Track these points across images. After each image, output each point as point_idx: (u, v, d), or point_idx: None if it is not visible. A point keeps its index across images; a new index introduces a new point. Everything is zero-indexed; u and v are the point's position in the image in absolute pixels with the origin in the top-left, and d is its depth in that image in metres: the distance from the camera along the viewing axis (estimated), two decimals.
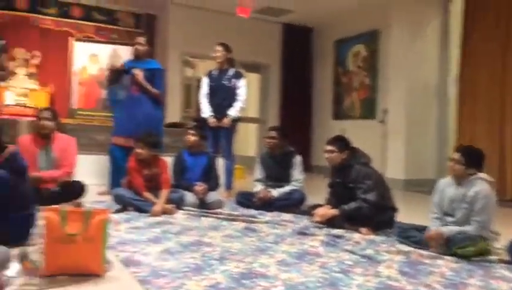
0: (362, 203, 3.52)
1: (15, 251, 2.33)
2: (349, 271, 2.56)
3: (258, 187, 4.56)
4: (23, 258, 2.29)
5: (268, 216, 4.12)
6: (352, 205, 3.54)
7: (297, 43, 9.17)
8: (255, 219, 3.92)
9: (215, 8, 7.92)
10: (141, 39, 4.92)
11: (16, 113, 6.00)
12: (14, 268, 2.24)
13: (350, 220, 3.58)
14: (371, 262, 2.77)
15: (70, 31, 7.47)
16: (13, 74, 6.79)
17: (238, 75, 5.28)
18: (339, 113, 8.76)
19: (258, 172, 4.66)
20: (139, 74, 4.74)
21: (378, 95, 7.89)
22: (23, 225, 2.77)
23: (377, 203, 3.53)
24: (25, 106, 6.40)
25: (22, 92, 6.74)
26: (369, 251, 3.02)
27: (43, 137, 4.00)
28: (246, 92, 5.31)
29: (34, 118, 4.46)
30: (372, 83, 8.04)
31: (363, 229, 3.51)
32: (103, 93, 7.25)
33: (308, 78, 9.38)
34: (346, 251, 3.00)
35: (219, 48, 5.25)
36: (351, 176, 3.62)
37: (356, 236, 3.43)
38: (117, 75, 4.82)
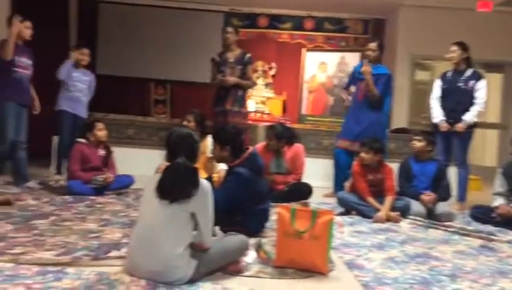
0: None
1: (252, 241, 2.59)
2: None
3: (498, 201, 4.01)
4: (258, 248, 2.53)
5: (510, 235, 3.59)
6: None
7: None
8: (494, 237, 3.45)
9: (450, 5, 7.35)
10: (373, 45, 4.92)
11: (255, 119, 6.73)
12: (251, 256, 2.51)
13: None
14: None
15: (302, 42, 8.01)
16: (255, 84, 7.67)
17: (476, 76, 4.77)
18: None
19: (499, 184, 4.10)
20: (366, 68, 4.76)
21: None
22: (259, 217, 3.08)
23: None
24: (262, 113, 7.13)
25: (261, 100, 7.54)
26: None
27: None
28: (486, 94, 4.75)
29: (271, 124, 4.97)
30: None
31: None
32: (330, 99, 7.55)
33: None
34: None
35: (454, 48, 4.84)
36: None
37: None
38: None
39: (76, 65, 4.99)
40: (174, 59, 7.67)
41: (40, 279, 2.03)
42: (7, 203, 3.49)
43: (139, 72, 7.66)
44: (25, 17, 4.42)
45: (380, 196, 4.01)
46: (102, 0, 7.90)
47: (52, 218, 3.21)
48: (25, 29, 4.42)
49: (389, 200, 3.95)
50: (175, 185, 2.09)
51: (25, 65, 4.46)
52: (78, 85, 4.98)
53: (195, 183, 2.12)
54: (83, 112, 5.09)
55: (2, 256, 2.30)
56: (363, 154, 4.05)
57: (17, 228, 2.88)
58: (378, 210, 3.88)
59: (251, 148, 3.12)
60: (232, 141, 3.03)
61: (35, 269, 2.15)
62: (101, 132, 4.37)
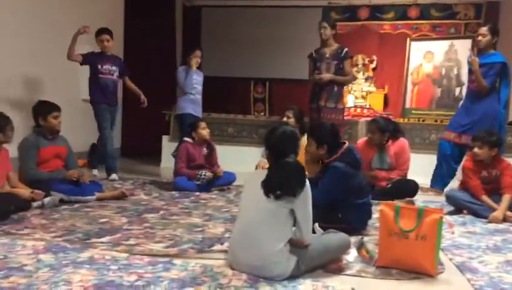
0: None
1: (353, 239, 2.52)
2: None
3: None
4: (360, 246, 2.45)
5: None
6: None
7: None
8: None
9: None
10: (483, 29, 4.51)
11: (355, 115, 6.55)
12: (352, 254, 2.43)
13: None
14: None
15: (406, 32, 7.61)
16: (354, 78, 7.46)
17: None
18: None
19: None
20: (473, 59, 4.39)
21: None
22: (361, 213, 2.98)
23: None
24: (362, 108, 6.91)
25: (361, 94, 7.32)
26: None
27: None
28: None
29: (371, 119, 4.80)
30: None
31: None
32: (437, 91, 7.08)
33: None
34: None
35: None
36: None
37: None
38: None
39: (189, 68, 5.08)
40: (272, 57, 7.75)
41: (150, 269, 2.16)
42: (123, 196, 3.79)
43: (239, 72, 7.88)
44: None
45: (494, 194, 3.67)
46: (204, 5, 8.25)
47: (162, 212, 3.41)
48: (101, 41, 4.96)
49: (506, 198, 3.59)
50: (284, 183, 2.09)
51: (108, 71, 4.99)
52: (197, 87, 5.11)
53: (303, 183, 2.12)
54: (200, 112, 5.23)
55: (118, 247, 2.49)
56: (476, 150, 3.73)
57: (131, 221, 3.11)
58: (494, 209, 3.55)
59: (347, 143, 3.04)
60: (329, 138, 2.97)
61: (147, 259, 2.30)
62: (204, 131, 4.56)
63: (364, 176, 3.11)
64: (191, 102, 5.09)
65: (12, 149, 3.49)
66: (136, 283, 1.96)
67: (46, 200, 3.38)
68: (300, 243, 2.14)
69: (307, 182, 2.15)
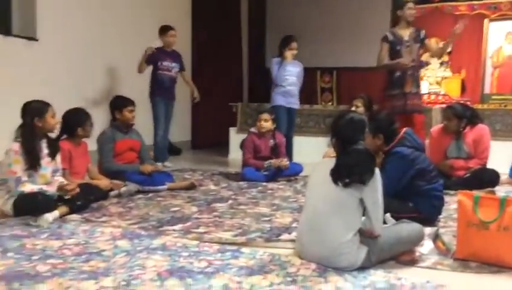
0: None
1: (428, 230, 2.39)
2: None
3: None
4: (436, 238, 2.33)
5: None
6: None
7: None
8: None
9: None
10: None
11: (429, 102, 6.23)
12: (427, 246, 2.32)
13: None
14: None
15: (484, 13, 7.10)
16: (427, 63, 7.09)
17: None
18: None
19: None
20: None
21: None
22: (432, 200, 2.81)
23: None
24: (437, 94, 6.56)
25: (435, 80, 6.95)
26: None
27: None
28: None
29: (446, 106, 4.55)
30: None
31: None
32: None
33: None
34: None
35: None
36: None
37: None
38: None
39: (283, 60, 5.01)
40: (338, 46, 7.58)
41: (219, 256, 2.20)
42: (192, 187, 3.89)
43: (305, 62, 7.77)
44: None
45: None
46: None
47: (230, 202, 3.46)
48: (170, 37, 5.20)
49: None
50: (352, 170, 2.03)
51: (167, 68, 5.21)
52: (289, 78, 5.02)
53: (372, 170, 2.05)
54: (295, 104, 5.15)
55: (188, 234, 2.56)
56: None
57: (201, 210, 3.18)
58: None
59: (405, 129, 2.89)
60: (384, 127, 2.83)
61: (216, 247, 2.34)
62: (266, 123, 4.54)
63: (429, 160, 2.93)
64: (283, 94, 5.03)
65: (90, 142, 3.70)
66: (206, 270, 2.00)
67: (123, 190, 3.55)
68: (370, 233, 2.07)
69: (377, 170, 2.07)
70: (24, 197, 2.76)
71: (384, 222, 2.26)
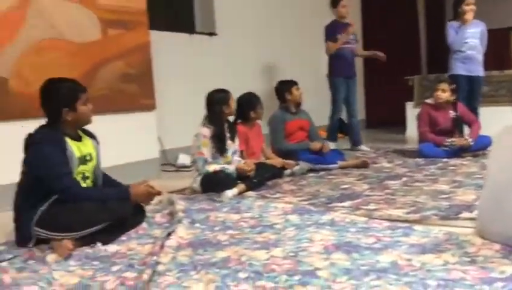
0: None
1: None
2: None
3: None
4: None
5: None
6: None
7: None
8: None
9: None
10: None
11: None
12: None
13: None
14: None
15: None
16: None
17: None
18: None
19: None
20: None
21: None
22: None
23: None
24: None
25: None
26: None
27: None
28: None
29: None
30: None
31: None
32: None
33: None
34: None
35: None
36: None
37: None
38: None
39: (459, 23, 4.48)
40: None
41: (389, 233, 2.11)
42: (364, 165, 3.81)
43: (495, 22, 6.85)
44: None
45: None
46: None
47: (404, 179, 3.29)
48: (342, 8, 4.95)
49: None
50: None
51: (346, 40, 4.92)
52: (470, 42, 4.48)
53: None
54: (479, 71, 4.57)
55: (357, 211, 2.52)
56: None
57: (372, 187, 3.10)
58: None
59: None
60: None
61: (386, 224, 2.25)
62: (444, 93, 4.14)
63: None
64: (462, 61, 4.49)
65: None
66: (374, 245, 1.95)
67: (296, 169, 3.68)
68: None
69: None
70: (209, 176, 3.08)
71: None
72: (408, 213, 2.42)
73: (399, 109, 6.19)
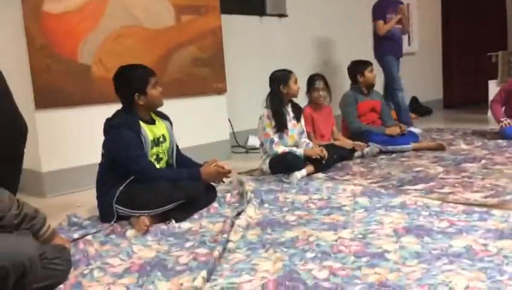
0: None
1: None
2: None
3: None
4: None
5: None
6: None
7: None
8: None
9: None
10: None
11: None
12: None
13: None
14: None
15: None
16: None
17: None
18: None
19: None
20: None
21: None
22: None
23: None
24: None
25: None
26: None
27: None
28: None
29: None
30: None
31: None
32: None
33: None
34: None
35: None
36: None
37: None
38: None
39: None
40: None
41: (464, 217, 2.02)
42: (440, 148, 3.64)
43: None
44: None
45: None
46: None
47: (483, 162, 3.12)
48: None
49: None
50: None
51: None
52: None
53: None
54: None
55: (431, 194, 2.43)
56: None
57: (448, 170, 2.96)
58: None
59: None
60: None
61: (461, 208, 2.15)
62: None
63: None
64: None
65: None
66: (447, 230, 1.88)
67: (366, 150, 3.60)
68: None
69: None
70: (277, 157, 3.10)
71: None
72: (486, 197, 2.30)
73: (482, 87, 5.81)
